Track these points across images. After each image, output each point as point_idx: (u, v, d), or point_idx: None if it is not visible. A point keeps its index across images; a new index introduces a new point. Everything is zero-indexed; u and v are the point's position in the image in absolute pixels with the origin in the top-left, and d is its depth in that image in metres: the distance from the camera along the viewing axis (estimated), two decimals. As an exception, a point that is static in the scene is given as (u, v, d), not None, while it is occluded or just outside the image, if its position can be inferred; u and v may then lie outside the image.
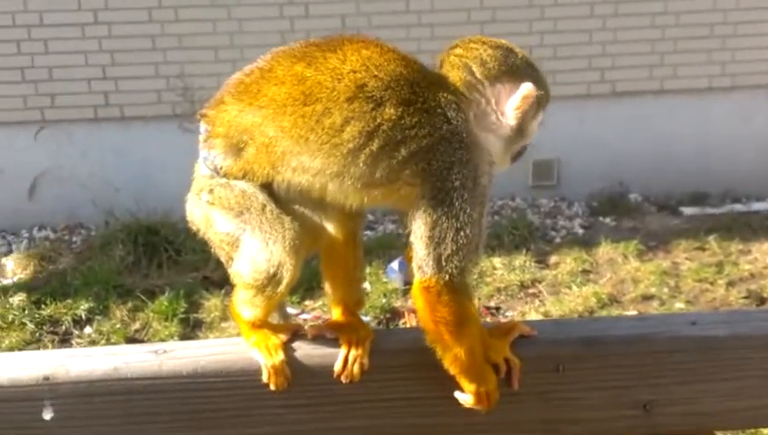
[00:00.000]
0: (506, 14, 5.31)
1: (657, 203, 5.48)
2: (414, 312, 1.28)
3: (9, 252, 5.04)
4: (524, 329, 1.35)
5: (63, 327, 4.16)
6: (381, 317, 4.18)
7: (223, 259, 1.38)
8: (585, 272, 4.64)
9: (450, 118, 1.25)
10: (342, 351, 1.32)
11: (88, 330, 4.15)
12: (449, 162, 1.24)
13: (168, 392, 1.29)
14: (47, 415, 1.27)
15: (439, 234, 1.24)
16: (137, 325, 4.18)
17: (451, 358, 1.26)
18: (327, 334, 1.36)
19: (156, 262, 4.63)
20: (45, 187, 5.31)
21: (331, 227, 1.37)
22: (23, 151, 5.27)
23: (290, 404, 1.32)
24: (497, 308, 4.35)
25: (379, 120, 1.23)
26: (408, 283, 1.30)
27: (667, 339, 1.31)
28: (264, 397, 1.30)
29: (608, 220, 5.32)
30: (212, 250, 1.40)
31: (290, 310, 4.18)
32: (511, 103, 1.29)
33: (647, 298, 4.39)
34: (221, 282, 4.09)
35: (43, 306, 4.27)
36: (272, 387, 1.29)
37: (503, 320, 4.16)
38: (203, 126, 1.35)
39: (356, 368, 1.30)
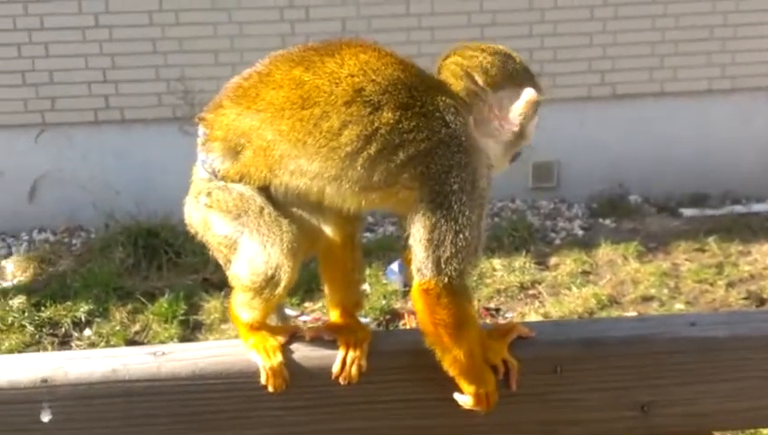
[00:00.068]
0: (506, 18, 5.32)
1: (656, 204, 5.48)
2: (413, 313, 1.28)
3: (9, 254, 5.05)
4: (523, 330, 1.36)
5: (63, 329, 4.16)
6: (381, 319, 4.18)
7: (221, 262, 1.38)
8: (585, 273, 4.65)
9: (449, 122, 1.26)
10: (340, 352, 1.32)
11: (87, 332, 4.16)
12: (448, 166, 1.25)
13: (166, 394, 1.29)
14: (45, 417, 1.27)
15: (438, 237, 1.24)
16: (137, 327, 4.19)
17: (450, 360, 1.26)
18: (325, 336, 1.36)
19: (156, 264, 4.63)
20: (45, 189, 5.32)
21: (328, 230, 1.37)
22: (23, 154, 5.28)
23: (288, 406, 1.32)
24: (497, 309, 4.36)
25: (376, 124, 1.24)
26: (407, 285, 1.30)
27: (667, 340, 1.31)
28: (263, 399, 1.31)
29: (607, 222, 5.32)
30: (210, 253, 1.41)
31: (289, 312, 4.18)
32: (515, 109, 1.31)
33: (646, 299, 4.40)
34: (221, 284, 4.09)
35: (42, 309, 4.27)
36: (270, 389, 1.30)
37: (502, 321, 4.17)
38: (201, 129, 1.36)
39: (354, 370, 1.30)
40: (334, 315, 1.43)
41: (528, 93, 1.31)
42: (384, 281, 4.47)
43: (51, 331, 4.16)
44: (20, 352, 3.91)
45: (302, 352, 1.34)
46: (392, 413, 1.35)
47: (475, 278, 4.48)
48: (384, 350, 1.36)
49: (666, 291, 4.45)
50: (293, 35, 5.19)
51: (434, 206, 1.24)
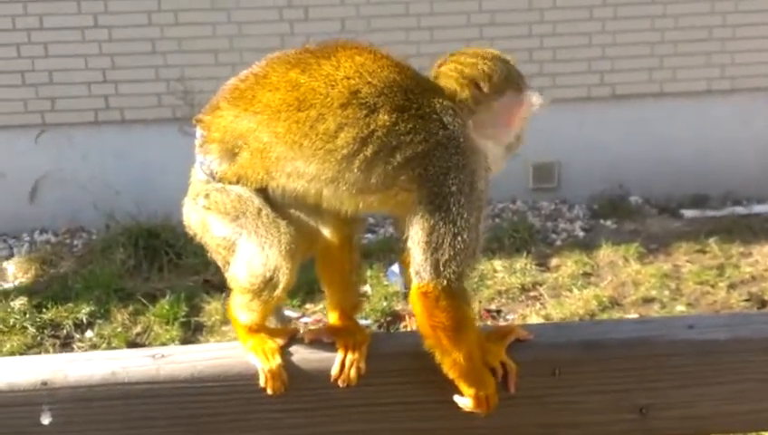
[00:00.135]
0: (505, 17, 5.32)
1: (657, 205, 5.48)
2: (414, 315, 1.28)
3: (10, 256, 5.05)
4: (521, 333, 1.36)
5: (64, 331, 4.16)
6: (382, 320, 4.18)
7: (220, 263, 1.39)
8: (586, 275, 4.64)
9: (446, 123, 1.26)
10: (339, 355, 1.32)
11: (89, 334, 4.16)
12: (446, 167, 1.25)
13: (165, 397, 1.29)
14: (45, 420, 1.27)
15: (437, 239, 1.24)
16: (138, 329, 4.19)
17: (450, 362, 1.27)
18: (324, 339, 1.36)
19: (157, 265, 4.63)
20: (46, 190, 5.33)
21: (326, 232, 1.38)
22: (23, 155, 5.29)
23: (287, 408, 1.32)
24: (498, 311, 4.36)
25: (373, 127, 1.24)
26: (408, 287, 1.31)
27: (665, 343, 1.31)
28: (262, 401, 1.31)
29: (608, 223, 5.32)
30: (209, 254, 1.41)
31: (290, 313, 4.18)
32: (518, 113, 1.32)
33: (647, 301, 4.39)
34: (222, 285, 4.07)
35: (44, 310, 4.27)
36: (269, 391, 1.30)
37: (503, 323, 4.17)
38: (199, 131, 1.36)
39: (353, 372, 1.30)
40: (333, 318, 1.43)
41: (531, 97, 1.32)
42: (385, 282, 4.47)
43: (52, 332, 4.16)
44: (21, 353, 3.91)
45: (300, 354, 1.34)
46: (391, 416, 1.35)
47: (475, 280, 4.48)
48: (383, 352, 1.36)
49: (667, 292, 4.45)
50: (293, 35, 5.19)
51: (432, 208, 1.24)
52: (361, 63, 1.27)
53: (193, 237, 1.41)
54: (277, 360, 1.30)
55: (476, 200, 1.27)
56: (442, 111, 1.26)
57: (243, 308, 1.35)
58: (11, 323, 4.18)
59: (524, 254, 4.79)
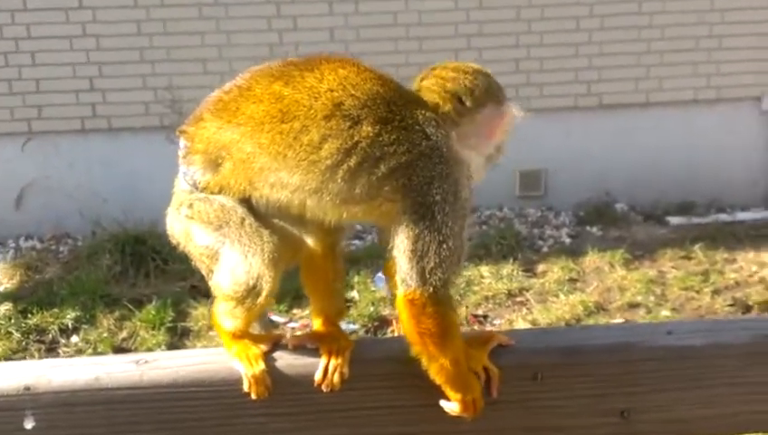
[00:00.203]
0: (493, 28, 5.35)
1: (643, 213, 5.52)
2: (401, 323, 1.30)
3: (-5, 262, 5.04)
4: (502, 339, 1.37)
5: (50, 336, 4.16)
6: (369, 326, 4.20)
7: (203, 272, 1.40)
8: (572, 280, 4.67)
9: (429, 134, 1.28)
10: (323, 360, 1.33)
11: (75, 339, 4.15)
12: (429, 177, 1.26)
13: (149, 402, 1.29)
14: (29, 425, 1.28)
15: (422, 247, 1.26)
16: (124, 334, 4.18)
17: (437, 368, 1.28)
18: (308, 344, 1.37)
19: (143, 271, 4.63)
20: (32, 197, 5.32)
21: (310, 240, 1.39)
22: (10, 162, 5.28)
23: (271, 413, 1.33)
24: (485, 316, 4.38)
25: (356, 138, 1.25)
26: (393, 295, 1.33)
27: (644, 348, 1.33)
28: (246, 406, 1.31)
29: (594, 230, 5.35)
30: (193, 263, 1.42)
31: (278, 318, 4.19)
32: (499, 125, 1.35)
33: (633, 306, 4.42)
34: (208, 291, 4.06)
35: (29, 316, 4.26)
36: (253, 396, 1.31)
37: (492, 328, 4.18)
38: (182, 142, 1.37)
39: (336, 377, 1.32)
40: (317, 324, 1.45)
41: (511, 110, 1.35)
42: (372, 288, 4.48)
43: (38, 338, 4.15)
44: (7, 359, 3.90)
45: (285, 360, 1.35)
46: (376, 420, 1.36)
47: (462, 285, 4.51)
48: (367, 357, 1.37)
49: (652, 298, 4.48)
50: (281, 45, 5.21)
51: (417, 217, 1.26)
52: (345, 76, 1.28)
53: (176, 246, 1.42)
54: (261, 365, 1.31)
55: (460, 209, 1.28)
56: (425, 122, 1.28)
57: (227, 315, 1.36)
58: (-4, 329, 4.17)
59: (511, 260, 4.82)
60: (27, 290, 4.62)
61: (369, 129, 1.25)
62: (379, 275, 4.51)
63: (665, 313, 4.35)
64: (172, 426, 1.31)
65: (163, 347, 4.01)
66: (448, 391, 1.30)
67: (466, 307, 4.38)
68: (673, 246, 5.01)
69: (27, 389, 1.28)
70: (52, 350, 4.07)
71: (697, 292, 4.53)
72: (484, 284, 4.60)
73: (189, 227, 1.36)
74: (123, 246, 4.70)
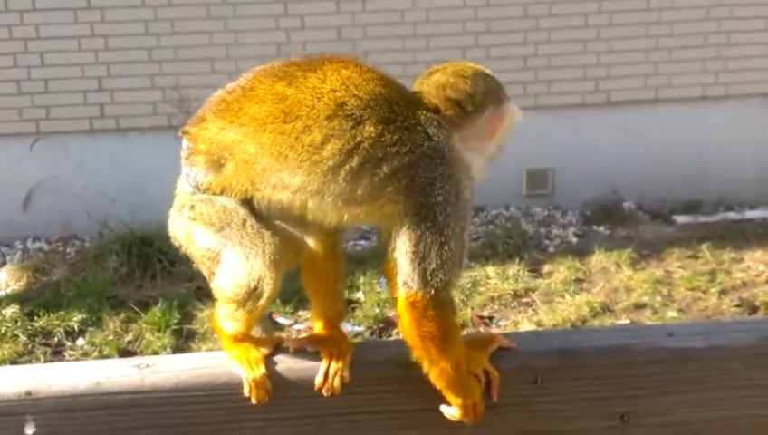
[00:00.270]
0: (501, 25, 5.34)
1: (650, 211, 5.49)
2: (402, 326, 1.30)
3: (3, 263, 5.04)
4: (503, 341, 1.37)
5: (56, 339, 4.15)
6: (375, 327, 4.18)
7: (205, 274, 1.40)
8: (578, 281, 4.65)
9: (431, 135, 1.28)
10: (323, 364, 1.33)
11: (80, 342, 4.15)
12: (432, 178, 1.26)
13: (149, 407, 1.30)
14: (29, 430, 1.28)
15: (424, 249, 1.25)
16: (130, 337, 4.18)
17: (438, 372, 1.28)
18: (308, 348, 1.37)
19: (150, 273, 4.63)
20: (40, 198, 5.33)
21: (311, 242, 1.39)
22: (18, 163, 5.29)
23: (272, 417, 1.33)
24: (490, 318, 4.36)
25: (359, 138, 1.25)
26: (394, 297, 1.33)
27: (644, 350, 1.33)
28: (246, 411, 1.32)
29: (601, 229, 5.33)
30: (195, 265, 1.42)
31: (282, 320, 4.19)
32: (500, 126, 1.35)
33: (639, 307, 4.40)
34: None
35: (35, 318, 4.26)
36: (253, 401, 1.31)
37: (495, 330, 4.17)
38: (185, 143, 1.37)
39: (336, 381, 1.32)
40: (318, 327, 1.45)
41: (512, 111, 1.36)
42: (378, 289, 4.47)
43: (43, 340, 4.15)
44: (12, 362, 3.90)
45: (285, 363, 1.35)
46: (376, 424, 1.36)
47: (468, 286, 4.50)
48: (367, 361, 1.37)
49: (659, 298, 4.46)
50: (289, 44, 5.21)
51: (419, 218, 1.26)
52: (347, 77, 1.28)
53: (179, 248, 1.42)
54: (261, 369, 1.32)
55: (462, 210, 1.28)
56: (427, 123, 1.28)
57: (228, 318, 1.36)
58: (2, 332, 4.16)
59: (517, 260, 4.80)
60: (34, 292, 4.62)
61: (372, 129, 1.25)
62: (385, 275, 4.50)
63: (671, 313, 4.32)
64: (173, 431, 1.32)
65: (168, 350, 4.00)
66: (449, 396, 1.29)
67: (472, 308, 4.36)
68: (680, 245, 4.98)
69: (28, 394, 1.29)
70: (57, 353, 4.07)
71: (704, 292, 4.50)
72: (490, 284, 4.58)
73: (191, 228, 1.36)
74: (130, 248, 4.70)
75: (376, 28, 5.26)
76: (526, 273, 4.69)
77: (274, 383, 1.32)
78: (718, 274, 4.67)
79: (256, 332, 1.46)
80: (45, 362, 3.86)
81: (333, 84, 1.27)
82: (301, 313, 4.22)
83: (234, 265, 1.31)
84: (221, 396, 1.32)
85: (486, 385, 1.33)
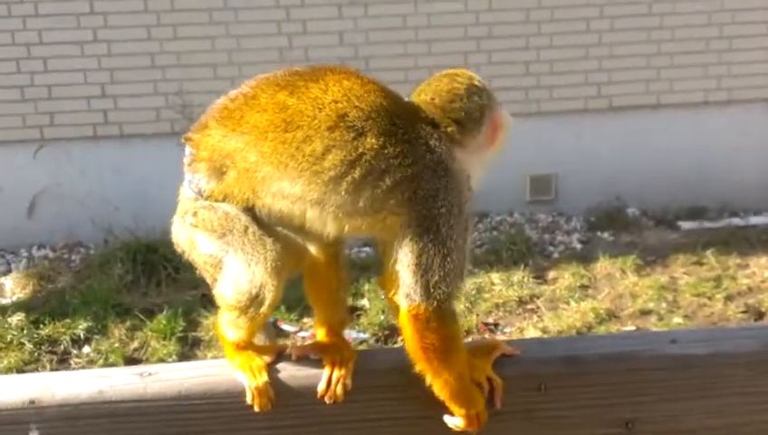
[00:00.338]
0: (503, 30, 5.34)
1: (654, 217, 5.48)
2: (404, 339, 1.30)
3: (8, 271, 5.04)
4: (506, 349, 1.37)
5: (62, 347, 4.15)
6: (380, 334, 4.18)
7: (208, 281, 1.40)
8: (583, 287, 4.64)
9: (433, 147, 1.28)
10: (326, 371, 1.33)
11: (86, 349, 4.15)
12: (435, 190, 1.26)
13: (152, 415, 1.30)
14: (33, 438, 1.28)
15: (426, 261, 1.25)
16: (135, 344, 4.18)
17: (441, 384, 1.28)
18: (311, 355, 1.37)
19: (155, 280, 4.64)
20: (44, 205, 5.34)
21: (313, 249, 1.39)
22: (22, 170, 5.30)
23: (274, 425, 1.33)
24: (495, 324, 4.35)
25: (361, 150, 1.25)
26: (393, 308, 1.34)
27: (648, 357, 1.32)
28: (249, 418, 1.31)
29: (606, 235, 5.32)
30: (198, 272, 1.42)
31: (288, 327, 4.19)
32: (498, 133, 1.36)
33: (645, 313, 4.39)
34: (218, 300, 4.08)
35: (41, 326, 4.26)
36: (255, 408, 1.31)
37: (500, 336, 4.17)
38: (188, 149, 1.37)
39: (339, 388, 1.32)
40: (320, 334, 1.45)
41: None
42: (382, 296, 4.47)
43: (50, 348, 4.15)
44: (19, 370, 3.90)
45: (288, 371, 1.35)
46: (379, 431, 1.36)
47: (473, 293, 4.49)
48: (370, 368, 1.37)
49: (664, 305, 4.45)
50: (291, 49, 5.22)
51: (421, 230, 1.26)
52: (349, 88, 1.28)
53: (182, 255, 1.42)
54: (264, 377, 1.31)
55: (464, 221, 1.29)
56: (428, 136, 1.29)
57: (230, 325, 1.36)
58: (8, 340, 4.16)
59: (522, 266, 4.79)
60: (40, 300, 4.62)
61: (374, 141, 1.25)
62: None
63: (677, 320, 4.31)
64: (175, 439, 1.32)
65: (174, 357, 4.00)
66: (452, 407, 1.30)
67: (477, 315, 4.36)
68: (685, 251, 4.97)
69: (32, 402, 1.29)
70: (63, 361, 4.07)
71: (709, 298, 4.49)
72: (494, 291, 4.58)
73: (193, 235, 1.36)
74: (135, 255, 4.71)
75: (378, 33, 5.27)
76: (531, 279, 4.69)
77: (277, 391, 1.31)
78: (723, 280, 4.66)
79: (260, 339, 1.46)
80: (51, 370, 3.86)
81: (335, 95, 1.28)
82: (305, 320, 4.21)
83: (235, 271, 1.31)
84: (223, 404, 1.32)
85: (489, 393, 1.33)
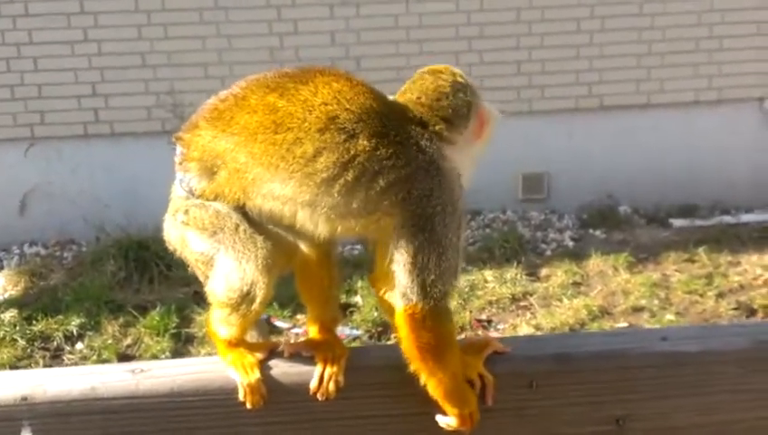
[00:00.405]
0: (494, 30, 5.35)
1: (646, 215, 5.50)
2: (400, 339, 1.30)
3: (0, 268, 5.04)
4: (498, 346, 1.37)
5: (55, 343, 4.15)
6: (373, 331, 4.18)
7: (200, 278, 1.40)
8: (576, 284, 4.66)
9: (424, 147, 1.29)
10: (318, 368, 1.33)
11: (79, 346, 4.15)
12: (428, 189, 1.27)
13: (144, 412, 1.30)
14: (25, 435, 1.28)
15: (422, 260, 1.26)
16: (128, 341, 4.18)
17: (435, 383, 1.28)
18: (303, 352, 1.38)
19: (147, 277, 4.64)
20: (36, 203, 5.33)
21: (304, 247, 1.39)
22: (12, 168, 5.29)
23: (267, 422, 1.33)
24: (489, 321, 4.36)
25: (353, 152, 1.25)
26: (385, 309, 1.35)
27: (638, 355, 1.33)
28: (241, 415, 1.32)
29: (598, 233, 5.34)
30: (190, 269, 1.43)
31: (281, 324, 4.19)
32: (485, 128, 1.37)
33: (637, 310, 4.41)
34: (210, 297, 4.08)
35: (34, 323, 4.26)
36: (248, 405, 1.31)
37: (494, 333, 4.18)
38: (178, 148, 1.37)
39: (331, 385, 1.32)
40: (312, 331, 1.45)
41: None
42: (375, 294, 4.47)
43: (42, 345, 4.15)
44: (11, 366, 3.90)
45: (280, 368, 1.35)
46: (371, 428, 1.36)
47: (466, 290, 4.50)
48: (363, 365, 1.38)
49: (656, 302, 4.47)
50: (282, 48, 5.22)
51: (416, 230, 1.26)
52: (339, 90, 1.29)
53: (174, 252, 1.43)
54: (256, 374, 1.32)
55: (457, 219, 1.29)
56: (418, 136, 1.30)
57: (222, 323, 1.36)
58: (1, 336, 4.16)
59: (515, 264, 4.81)
60: (32, 297, 4.62)
61: (366, 143, 1.26)
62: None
63: (669, 317, 4.33)
64: (168, 435, 1.32)
65: (167, 354, 4.00)
66: (446, 406, 1.30)
67: (470, 312, 4.37)
68: (676, 248, 4.99)
69: (24, 399, 1.29)
70: (56, 357, 4.07)
71: (701, 295, 4.51)
72: (487, 288, 4.59)
73: (185, 233, 1.36)
74: (127, 252, 4.70)
75: (369, 33, 5.27)
76: (524, 276, 4.70)
77: (269, 388, 1.32)
78: (715, 277, 4.68)
79: (252, 336, 1.46)
80: (44, 366, 3.86)
81: (325, 97, 1.28)
82: (299, 317, 4.21)
83: (227, 269, 1.31)
84: (216, 401, 1.32)
85: (481, 390, 1.33)
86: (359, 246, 4.99)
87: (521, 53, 5.38)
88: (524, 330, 4.19)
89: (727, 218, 5.45)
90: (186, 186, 1.36)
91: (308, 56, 5.06)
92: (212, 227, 1.32)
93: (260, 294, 1.30)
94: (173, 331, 4.20)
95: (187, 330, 4.24)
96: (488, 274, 4.70)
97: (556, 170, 5.55)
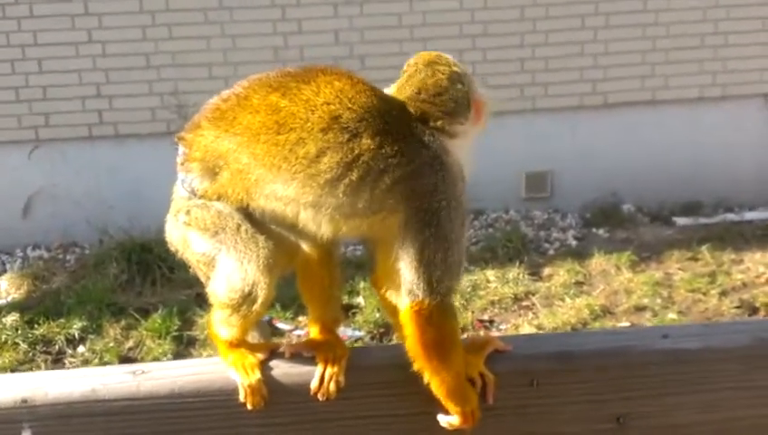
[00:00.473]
0: (498, 28, 5.34)
1: (649, 213, 5.49)
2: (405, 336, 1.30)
3: (3, 272, 5.04)
4: (499, 344, 1.37)
5: (57, 347, 4.15)
6: (375, 332, 4.18)
7: (202, 279, 1.40)
8: (578, 284, 4.65)
9: (426, 143, 1.29)
10: (319, 369, 1.33)
11: (81, 349, 4.15)
12: (433, 184, 1.27)
13: (145, 413, 1.30)
14: (26, 437, 1.28)
15: (428, 256, 1.26)
16: (130, 343, 4.18)
17: (439, 382, 1.28)
18: (304, 353, 1.38)
19: (149, 280, 4.64)
20: (39, 206, 5.33)
21: (306, 247, 1.39)
22: (17, 170, 5.29)
23: (268, 423, 1.33)
24: (491, 321, 4.36)
25: (357, 151, 1.25)
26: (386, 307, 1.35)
27: (639, 352, 1.32)
28: (242, 416, 1.32)
29: (601, 231, 5.33)
30: (192, 270, 1.43)
31: (283, 326, 4.19)
32: (482, 114, 1.36)
33: (640, 309, 4.40)
34: (212, 299, 4.08)
35: (36, 326, 4.25)
36: (248, 406, 1.31)
37: (496, 333, 4.17)
38: (181, 149, 1.37)
39: (332, 386, 1.32)
40: (314, 332, 1.45)
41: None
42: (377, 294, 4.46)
43: (44, 348, 4.14)
44: (13, 370, 3.90)
45: (281, 368, 1.35)
46: (373, 428, 1.36)
47: (468, 290, 4.49)
48: (364, 365, 1.38)
49: (659, 301, 4.46)
50: (287, 48, 5.21)
51: (422, 226, 1.26)
52: (340, 89, 1.28)
53: (175, 253, 1.43)
54: (257, 375, 1.32)
55: (461, 214, 1.29)
56: (420, 132, 1.29)
57: (223, 323, 1.36)
58: (3, 340, 4.15)
59: (517, 263, 4.80)
60: (34, 300, 4.62)
61: (370, 141, 1.25)
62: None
63: (671, 315, 4.32)
64: (169, 436, 1.32)
65: (169, 356, 4.00)
66: (448, 404, 1.30)
67: (472, 312, 4.36)
68: (680, 247, 4.97)
69: (24, 401, 1.29)
70: (58, 360, 4.06)
71: (704, 294, 4.50)
72: (490, 288, 4.58)
73: (187, 233, 1.36)
74: (129, 255, 4.70)
75: (373, 32, 5.27)
76: (526, 276, 4.69)
77: (270, 389, 1.32)
78: (718, 275, 4.67)
79: (254, 337, 1.46)
80: (46, 369, 3.86)
81: (327, 97, 1.28)
82: (301, 318, 4.21)
83: (228, 269, 1.31)
84: (217, 402, 1.32)
85: (482, 388, 1.33)
86: (361, 247, 4.98)
87: (524, 50, 5.37)
88: (526, 330, 4.18)
89: (731, 216, 5.43)
90: (188, 186, 1.36)
91: (312, 55, 5.05)
92: (214, 227, 1.32)
93: (261, 294, 1.30)
94: (175, 333, 4.20)
95: (188, 333, 4.24)
96: (490, 274, 4.69)
97: (560, 168, 5.54)
